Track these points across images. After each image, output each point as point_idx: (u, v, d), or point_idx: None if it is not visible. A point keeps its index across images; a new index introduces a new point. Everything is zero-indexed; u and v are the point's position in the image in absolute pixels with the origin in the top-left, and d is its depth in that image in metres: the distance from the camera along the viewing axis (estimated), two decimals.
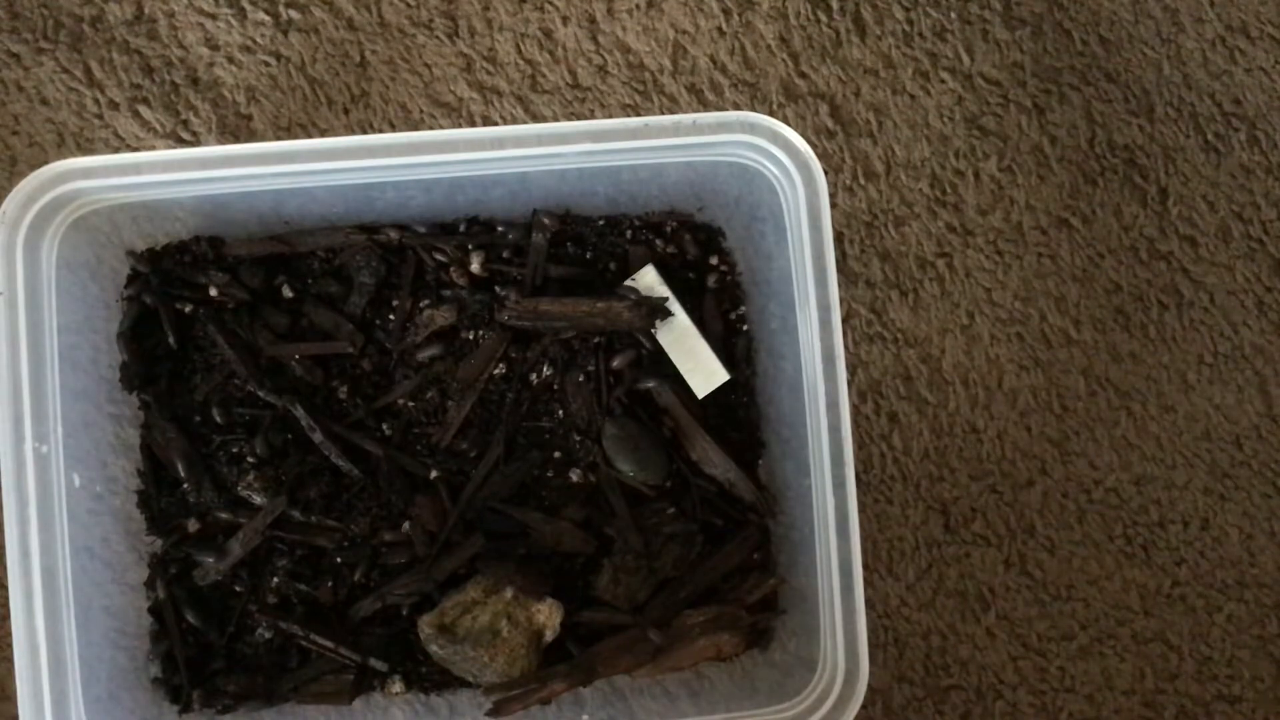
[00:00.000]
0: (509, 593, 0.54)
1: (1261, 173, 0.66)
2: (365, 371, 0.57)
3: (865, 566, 0.61)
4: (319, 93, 0.62)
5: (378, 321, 0.57)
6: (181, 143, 0.61)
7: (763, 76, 0.64)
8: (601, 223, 0.58)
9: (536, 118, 0.63)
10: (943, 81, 0.64)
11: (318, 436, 0.55)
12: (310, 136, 0.62)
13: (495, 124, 0.62)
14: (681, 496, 0.57)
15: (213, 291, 0.56)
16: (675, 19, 0.64)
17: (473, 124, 0.62)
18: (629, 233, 0.58)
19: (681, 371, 0.57)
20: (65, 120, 0.61)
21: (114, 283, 0.55)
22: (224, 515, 0.55)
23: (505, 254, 0.57)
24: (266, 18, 0.62)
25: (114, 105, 0.61)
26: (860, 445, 0.63)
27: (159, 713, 0.54)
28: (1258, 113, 0.66)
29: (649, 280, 0.57)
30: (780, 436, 0.56)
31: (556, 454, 0.57)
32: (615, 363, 0.57)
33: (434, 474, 0.56)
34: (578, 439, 0.57)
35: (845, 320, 0.63)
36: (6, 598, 0.56)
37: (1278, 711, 0.64)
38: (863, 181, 0.64)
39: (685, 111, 0.63)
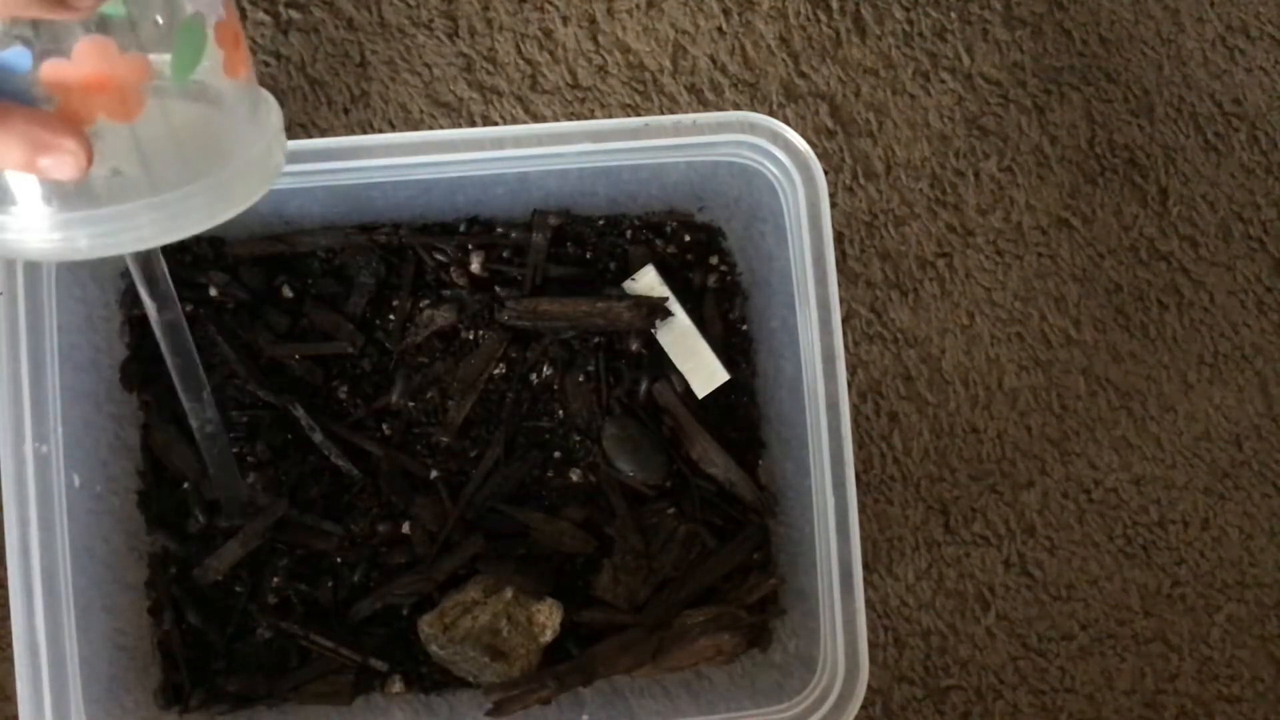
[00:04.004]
0: (509, 593, 0.53)
1: (1261, 173, 0.66)
2: (365, 371, 0.57)
3: (865, 566, 0.61)
4: (319, 93, 0.62)
5: (378, 321, 0.57)
6: None
7: (763, 76, 0.64)
8: (601, 223, 0.58)
9: (536, 118, 0.63)
10: (943, 81, 0.64)
11: (318, 437, 0.55)
12: (310, 136, 0.61)
13: (495, 124, 0.62)
14: (681, 496, 0.57)
15: (213, 291, 0.55)
16: (675, 19, 0.63)
17: (473, 124, 0.62)
18: (629, 233, 0.58)
19: (681, 371, 0.57)
20: None
21: (114, 283, 0.55)
22: None
23: (505, 254, 0.57)
24: (266, 18, 0.62)
25: None
26: (860, 445, 0.63)
27: (159, 713, 0.54)
28: (1258, 113, 0.66)
29: (649, 280, 0.57)
30: (780, 436, 0.56)
31: (556, 454, 0.57)
32: (616, 363, 0.57)
33: (434, 474, 0.56)
34: (578, 439, 0.57)
35: (845, 320, 0.63)
36: (6, 598, 0.56)
37: (1278, 711, 0.64)
38: (863, 181, 0.64)
39: (685, 111, 0.63)
